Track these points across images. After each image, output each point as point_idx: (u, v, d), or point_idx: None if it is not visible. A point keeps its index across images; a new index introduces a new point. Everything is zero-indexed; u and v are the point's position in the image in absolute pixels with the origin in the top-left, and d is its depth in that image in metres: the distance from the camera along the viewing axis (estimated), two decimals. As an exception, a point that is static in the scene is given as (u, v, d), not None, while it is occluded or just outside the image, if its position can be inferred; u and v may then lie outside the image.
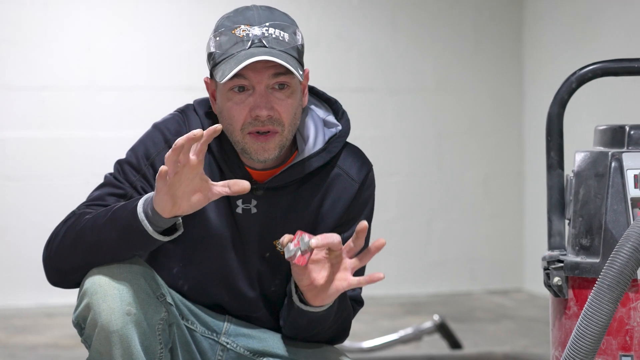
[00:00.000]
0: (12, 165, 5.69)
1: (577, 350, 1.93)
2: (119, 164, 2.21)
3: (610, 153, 2.15)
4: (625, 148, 2.17)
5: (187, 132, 2.19)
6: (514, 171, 6.38)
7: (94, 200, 2.16)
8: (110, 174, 2.21)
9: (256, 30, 2.11)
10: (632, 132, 2.17)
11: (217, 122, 2.20)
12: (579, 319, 1.95)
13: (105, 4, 5.81)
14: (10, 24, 5.68)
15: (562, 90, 2.23)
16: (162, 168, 1.94)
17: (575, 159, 2.22)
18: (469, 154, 6.34)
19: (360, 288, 2.32)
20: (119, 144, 5.46)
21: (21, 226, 5.67)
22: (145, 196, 2.05)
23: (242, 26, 2.12)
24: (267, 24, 2.12)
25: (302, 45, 2.17)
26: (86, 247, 2.08)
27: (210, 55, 2.16)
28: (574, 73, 2.23)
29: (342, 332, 2.30)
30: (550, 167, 2.24)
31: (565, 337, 2.16)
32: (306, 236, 2.02)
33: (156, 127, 2.24)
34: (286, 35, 2.12)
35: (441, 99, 6.28)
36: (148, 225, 2.02)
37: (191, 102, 2.29)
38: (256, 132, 2.12)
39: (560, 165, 2.24)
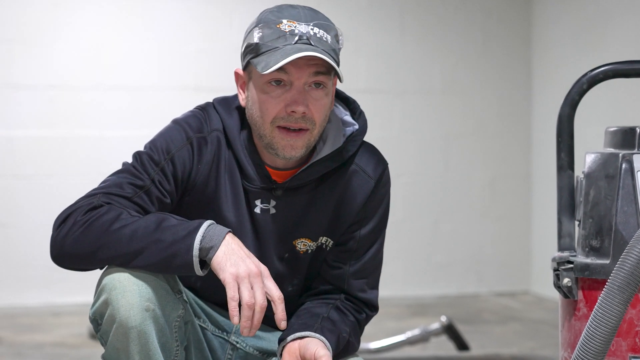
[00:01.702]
0: (20, 163, 5.70)
1: (587, 352, 1.92)
2: (139, 155, 2.18)
3: (620, 154, 2.15)
4: (636, 149, 2.17)
5: (208, 130, 2.20)
6: (522, 173, 6.37)
7: (112, 188, 2.12)
8: (129, 163, 2.19)
9: (303, 27, 2.11)
10: (642, 134, 2.17)
11: (240, 122, 2.21)
12: (588, 321, 1.93)
13: (114, 4, 5.81)
14: (20, 23, 5.68)
15: (573, 91, 2.22)
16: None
17: (585, 160, 2.22)
18: (476, 156, 6.33)
19: (377, 290, 2.33)
20: (127, 143, 5.50)
21: (29, 225, 5.68)
22: (201, 235, 2.02)
23: (287, 21, 2.11)
24: (312, 23, 2.12)
25: (340, 49, 2.18)
26: (115, 255, 2.04)
27: (250, 46, 2.14)
28: (585, 74, 2.23)
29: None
30: (560, 168, 2.24)
31: (575, 339, 2.16)
32: None
33: (177, 122, 2.22)
34: (329, 37, 2.14)
35: (449, 101, 6.28)
36: (199, 267, 2.02)
37: (210, 101, 2.28)
38: (286, 128, 2.13)
39: (571, 167, 2.24)
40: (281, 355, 2.17)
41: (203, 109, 2.25)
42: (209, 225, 2.04)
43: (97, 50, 5.79)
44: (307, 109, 2.11)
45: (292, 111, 2.11)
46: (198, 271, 2.02)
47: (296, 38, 2.09)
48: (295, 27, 2.10)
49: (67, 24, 5.75)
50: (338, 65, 2.15)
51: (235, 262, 2.00)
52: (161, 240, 2.01)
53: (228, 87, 2.42)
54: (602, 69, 2.22)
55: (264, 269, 2.03)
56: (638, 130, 2.18)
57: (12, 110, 5.68)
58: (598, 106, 5.12)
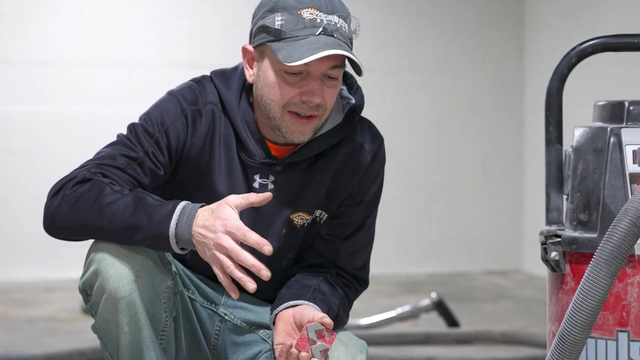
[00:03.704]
0: (13, 139, 5.71)
1: (574, 325, 1.93)
2: (133, 126, 2.18)
3: (609, 128, 2.15)
4: (624, 124, 2.16)
5: (202, 102, 2.20)
6: (514, 152, 6.39)
7: (106, 159, 2.13)
8: (123, 134, 2.19)
9: (325, 17, 2.10)
10: (631, 108, 2.17)
11: (238, 95, 2.20)
12: (575, 294, 1.94)
13: (107, -19, 5.82)
14: (12, -1, 5.69)
15: (561, 65, 2.22)
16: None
17: (574, 134, 2.22)
18: (469, 135, 6.34)
19: (368, 265, 2.33)
20: (119, 119, 5.46)
21: (22, 200, 5.70)
22: (178, 213, 2.02)
23: (308, 9, 2.10)
24: (334, 13, 2.11)
25: (355, 37, 2.18)
26: (100, 231, 2.05)
27: (267, 29, 2.12)
28: (574, 48, 2.23)
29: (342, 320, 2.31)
30: (549, 142, 2.24)
31: (562, 312, 2.17)
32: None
33: (172, 94, 2.21)
34: (346, 26, 2.13)
35: (441, 80, 6.29)
36: (177, 249, 2.03)
37: (207, 74, 2.27)
38: (297, 114, 2.13)
39: (559, 140, 2.24)
40: (274, 324, 2.17)
41: (198, 81, 2.24)
42: (180, 212, 2.02)
43: (90, 27, 5.79)
44: (322, 99, 2.12)
45: (309, 100, 2.11)
46: (177, 251, 2.04)
47: (319, 30, 2.08)
48: (316, 15, 2.09)
49: (60, 0, 5.74)
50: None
51: (204, 251, 2.02)
52: (138, 225, 2.02)
53: (221, 64, 2.40)
54: (591, 42, 2.22)
55: (230, 229, 2.00)
56: (626, 104, 2.18)
57: (5, 86, 5.69)
58: (588, 83, 5.13)
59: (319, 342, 2.03)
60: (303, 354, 2.03)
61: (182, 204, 2.04)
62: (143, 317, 2.04)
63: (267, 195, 2.04)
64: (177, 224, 2.01)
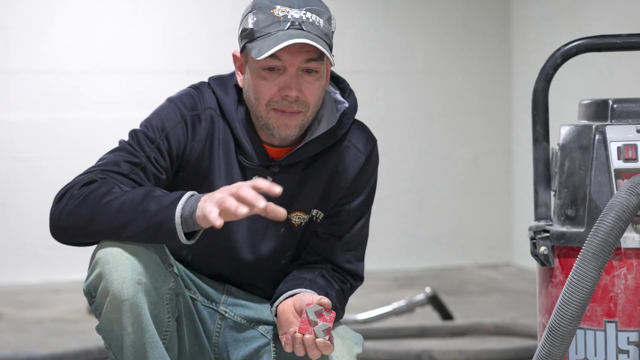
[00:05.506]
0: (19, 146, 5.76)
1: (563, 317, 1.98)
2: (135, 133, 2.21)
3: (594, 126, 2.18)
4: (609, 121, 2.20)
5: (201, 108, 2.23)
6: (503, 150, 6.43)
7: (109, 165, 2.15)
8: (125, 141, 2.22)
9: (295, 13, 2.13)
10: (615, 106, 2.21)
11: (236, 100, 2.24)
12: (564, 287, 1.99)
13: (108, -11, 5.87)
14: (17, 9, 5.73)
15: (547, 65, 2.26)
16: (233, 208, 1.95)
17: (560, 132, 2.25)
18: (459, 134, 6.39)
19: (363, 262, 2.37)
20: (121, 125, 5.53)
21: (28, 205, 5.74)
22: (183, 202, 2.04)
23: (280, 7, 2.13)
24: (305, 8, 2.14)
25: (333, 33, 2.20)
26: (106, 226, 2.07)
27: (245, 31, 2.17)
28: (559, 49, 2.27)
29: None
30: (536, 140, 2.28)
31: (552, 305, 2.20)
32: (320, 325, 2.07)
33: (171, 101, 2.25)
34: (322, 21, 2.15)
35: (432, 81, 6.33)
36: (182, 234, 2.04)
37: (205, 80, 2.31)
38: (281, 110, 2.16)
39: (546, 139, 2.28)
40: (276, 315, 2.20)
41: (197, 87, 2.27)
42: (190, 196, 2.05)
43: (92, 35, 5.84)
44: (301, 93, 2.14)
45: (286, 95, 2.14)
46: (182, 239, 2.04)
47: (288, 24, 2.11)
48: (288, 12, 2.12)
49: (62, 10, 5.80)
50: (331, 48, 2.16)
51: (209, 203, 2.01)
52: (147, 210, 2.04)
53: (219, 70, 2.44)
54: (575, 43, 2.27)
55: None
56: (610, 103, 2.21)
57: (11, 95, 5.75)
58: (574, 82, 5.18)
59: (320, 322, 2.05)
60: (307, 336, 2.05)
61: (190, 192, 2.06)
62: (146, 318, 2.06)
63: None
64: (183, 206, 2.02)
